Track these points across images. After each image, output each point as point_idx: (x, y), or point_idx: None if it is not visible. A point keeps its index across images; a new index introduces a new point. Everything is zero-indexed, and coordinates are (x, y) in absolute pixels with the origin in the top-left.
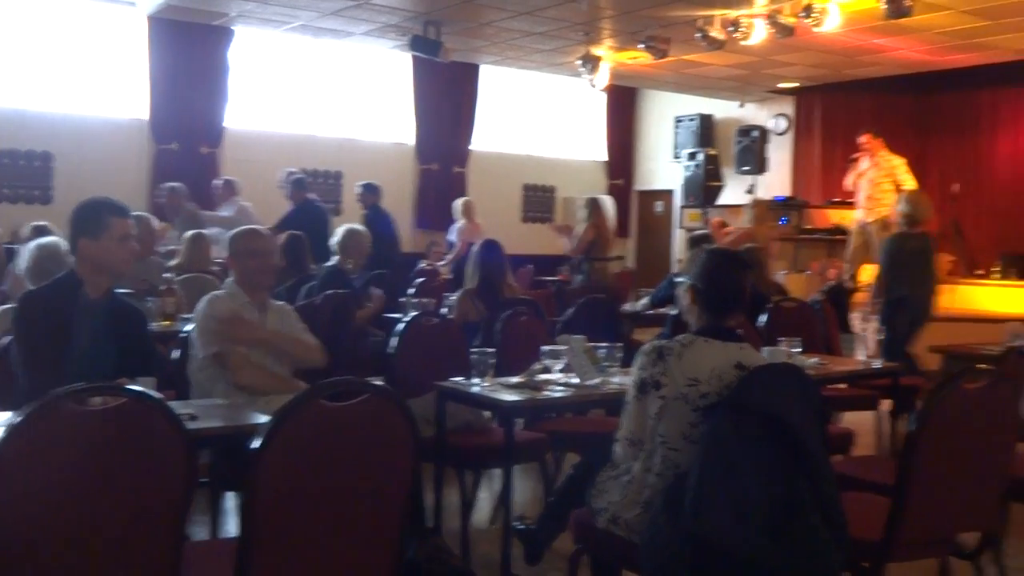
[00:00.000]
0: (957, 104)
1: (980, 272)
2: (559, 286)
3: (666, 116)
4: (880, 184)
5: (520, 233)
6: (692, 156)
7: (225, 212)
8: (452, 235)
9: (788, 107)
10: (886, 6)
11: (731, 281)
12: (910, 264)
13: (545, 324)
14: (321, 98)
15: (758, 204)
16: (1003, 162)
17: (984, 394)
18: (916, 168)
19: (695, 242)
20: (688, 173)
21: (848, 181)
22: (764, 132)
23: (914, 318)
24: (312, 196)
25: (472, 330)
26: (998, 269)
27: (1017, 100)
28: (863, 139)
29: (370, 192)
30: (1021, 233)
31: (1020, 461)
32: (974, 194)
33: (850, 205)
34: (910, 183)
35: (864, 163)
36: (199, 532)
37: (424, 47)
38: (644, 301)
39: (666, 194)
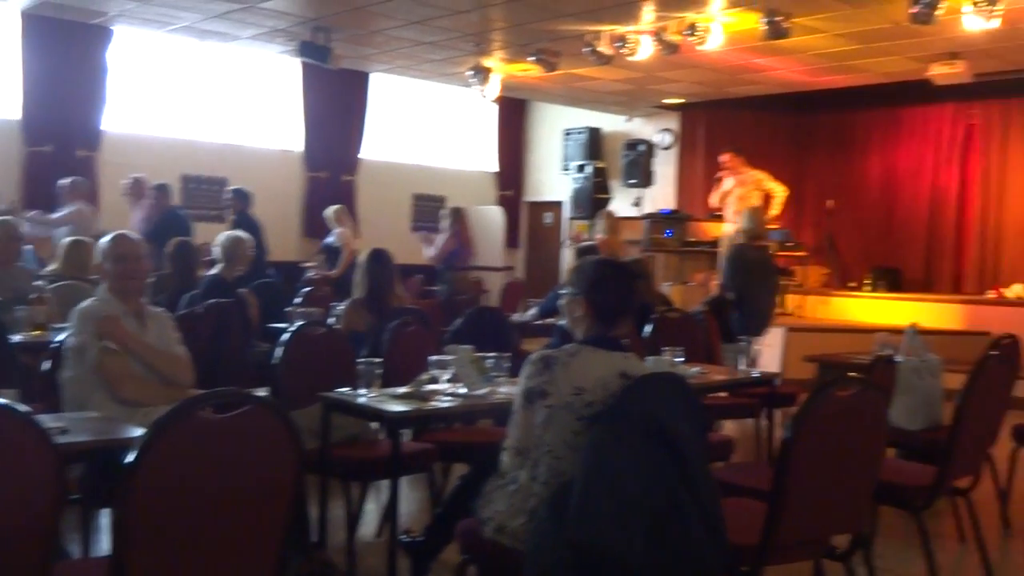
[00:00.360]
0: (833, 124)
1: (852, 284)
2: (448, 295)
3: (556, 128)
4: (748, 198)
5: (409, 242)
6: (581, 168)
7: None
8: (331, 239)
9: (673, 122)
10: (765, 27)
11: (619, 291)
12: (752, 272)
13: (433, 334)
14: (205, 102)
15: (609, 216)
16: (875, 180)
17: (854, 401)
18: (794, 184)
19: (582, 253)
20: (577, 185)
21: (713, 199)
22: (650, 146)
23: (752, 324)
24: (174, 204)
25: (359, 340)
26: (869, 281)
27: (887, 121)
28: (724, 158)
29: (240, 198)
30: (890, 248)
31: (887, 466)
32: (848, 210)
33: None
34: (779, 191)
35: (728, 182)
36: (71, 551)
37: (313, 53)
38: (532, 311)
39: (555, 205)
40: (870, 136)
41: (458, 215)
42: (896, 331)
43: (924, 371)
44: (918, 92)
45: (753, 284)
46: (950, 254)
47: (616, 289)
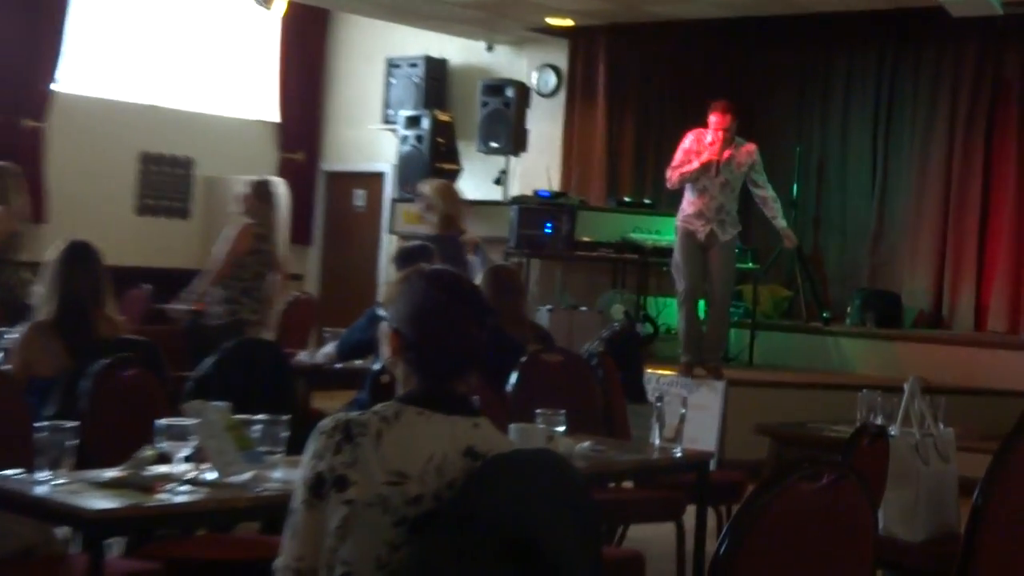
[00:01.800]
0: (799, 68)
1: (828, 315)
2: (194, 320)
3: (374, 58)
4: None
5: (133, 232)
6: (413, 122)
7: None
8: None
9: (559, 55)
10: None
11: (464, 323)
12: None
13: (167, 382)
14: None
15: (443, 190)
16: (862, 159)
17: (826, 497)
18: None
19: (409, 257)
20: (406, 148)
21: (673, 177)
22: (523, 91)
23: None
24: None
25: (42, 391)
26: (852, 311)
27: (880, 72)
28: (716, 115)
29: None
30: (884, 261)
31: None
32: (823, 202)
33: (649, 209)
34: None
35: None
36: None
37: None
38: (329, 348)
39: (372, 179)
40: (854, 92)
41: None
42: (890, 388)
43: (931, 450)
44: (926, 27)
45: None
46: (970, 273)
47: (459, 320)
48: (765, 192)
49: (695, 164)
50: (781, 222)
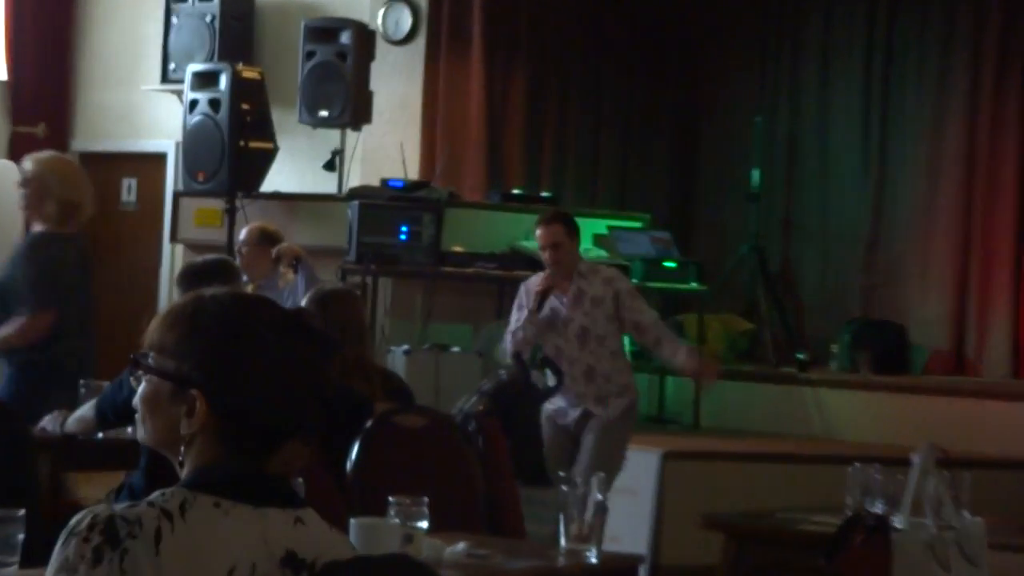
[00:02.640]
0: (752, 18)
1: (804, 356)
2: None
3: None
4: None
5: None
6: (205, 80)
7: None
8: None
9: None
10: None
11: (289, 380)
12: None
13: None
14: None
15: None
16: (850, 142)
17: None
18: (673, 135)
19: (199, 276)
20: (196, 119)
21: (514, 345)
22: (366, 35)
23: None
24: None
25: None
26: (839, 351)
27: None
28: (540, 228)
29: None
30: (884, 284)
31: None
32: (796, 200)
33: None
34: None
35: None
36: None
37: None
38: (85, 410)
39: (147, 163)
40: (836, 40)
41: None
42: (894, 461)
43: (952, 550)
44: None
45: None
46: (1003, 297)
47: (280, 367)
48: (643, 319)
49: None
50: (681, 354)
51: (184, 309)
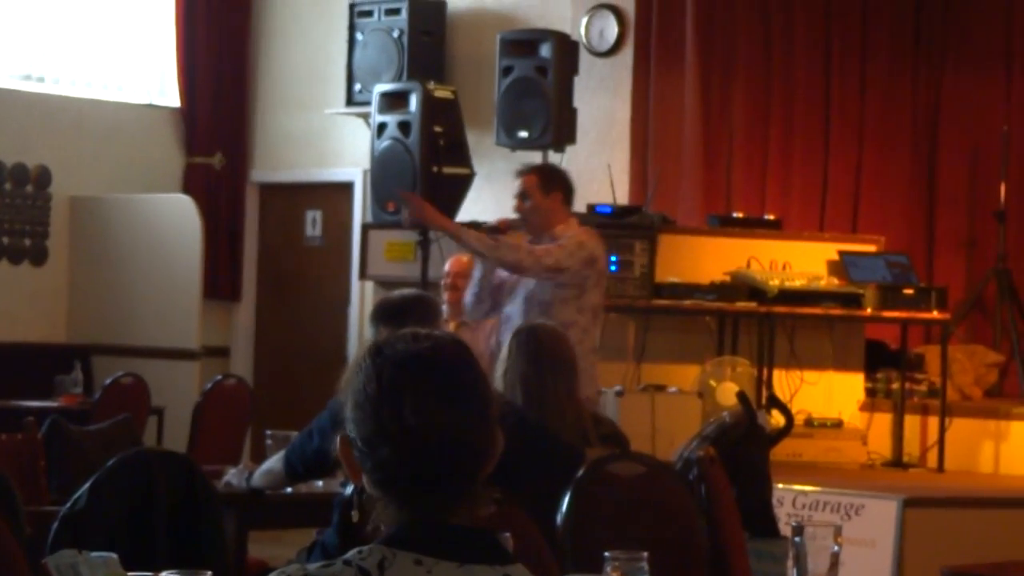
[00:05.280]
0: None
1: None
2: (54, 423)
3: (333, 2)
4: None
5: None
6: (394, 102)
7: None
8: None
9: None
10: None
11: (442, 414)
12: None
13: (19, 522)
14: None
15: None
16: None
17: None
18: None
19: (393, 315)
20: (384, 144)
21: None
22: (568, 48)
23: None
24: None
25: None
26: None
27: None
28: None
29: None
30: None
31: None
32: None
33: (774, 230)
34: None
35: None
36: None
37: None
38: (273, 463)
39: (333, 194)
40: None
41: None
42: None
43: None
44: None
45: None
46: None
47: (435, 409)
48: None
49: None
50: None
51: (359, 356)
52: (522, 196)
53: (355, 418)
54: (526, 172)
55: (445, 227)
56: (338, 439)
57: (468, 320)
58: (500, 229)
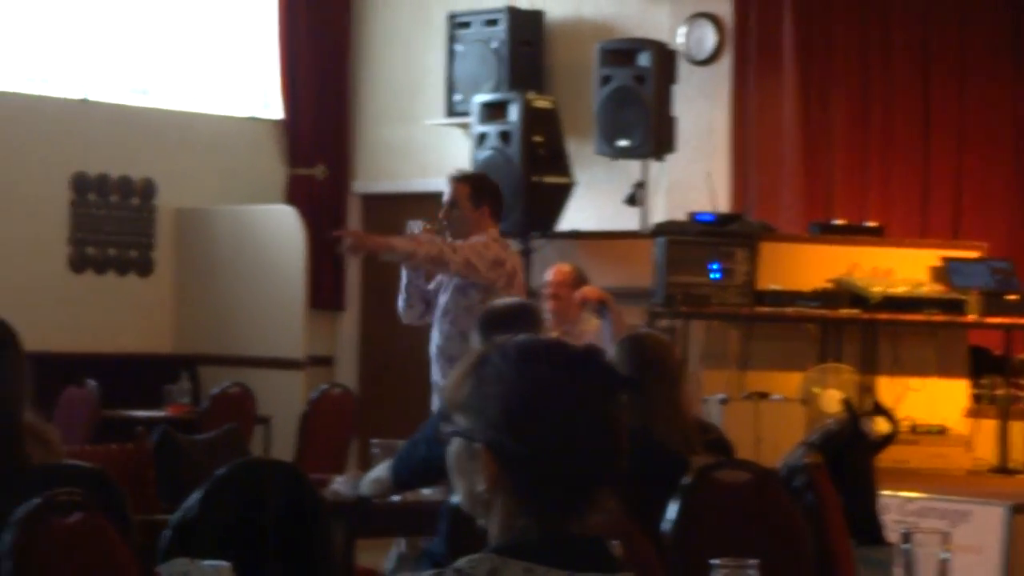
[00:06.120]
0: None
1: None
2: (164, 432)
3: (429, 15)
4: None
5: (65, 299)
6: (494, 112)
7: None
8: None
9: (722, 2)
10: None
11: (581, 426)
12: None
13: (130, 530)
14: None
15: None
16: None
17: None
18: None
19: (500, 323)
20: (485, 153)
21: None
22: (667, 57)
23: None
24: None
25: None
26: None
27: None
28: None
29: None
30: None
31: None
32: None
33: (875, 237)
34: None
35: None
36: None
37: None
38: (380, 471)
39: (435, 203)
40: None
41: None
42: None
43: None
44: None
45: None
46: None
47: (568, 414)
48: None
49: None
50: None
51: (472, 361)
52: (451, 204)
53: (487, 423)
54: (459, 180)
55: (377, 246)
56: (470, 442)
57: (568, 328)
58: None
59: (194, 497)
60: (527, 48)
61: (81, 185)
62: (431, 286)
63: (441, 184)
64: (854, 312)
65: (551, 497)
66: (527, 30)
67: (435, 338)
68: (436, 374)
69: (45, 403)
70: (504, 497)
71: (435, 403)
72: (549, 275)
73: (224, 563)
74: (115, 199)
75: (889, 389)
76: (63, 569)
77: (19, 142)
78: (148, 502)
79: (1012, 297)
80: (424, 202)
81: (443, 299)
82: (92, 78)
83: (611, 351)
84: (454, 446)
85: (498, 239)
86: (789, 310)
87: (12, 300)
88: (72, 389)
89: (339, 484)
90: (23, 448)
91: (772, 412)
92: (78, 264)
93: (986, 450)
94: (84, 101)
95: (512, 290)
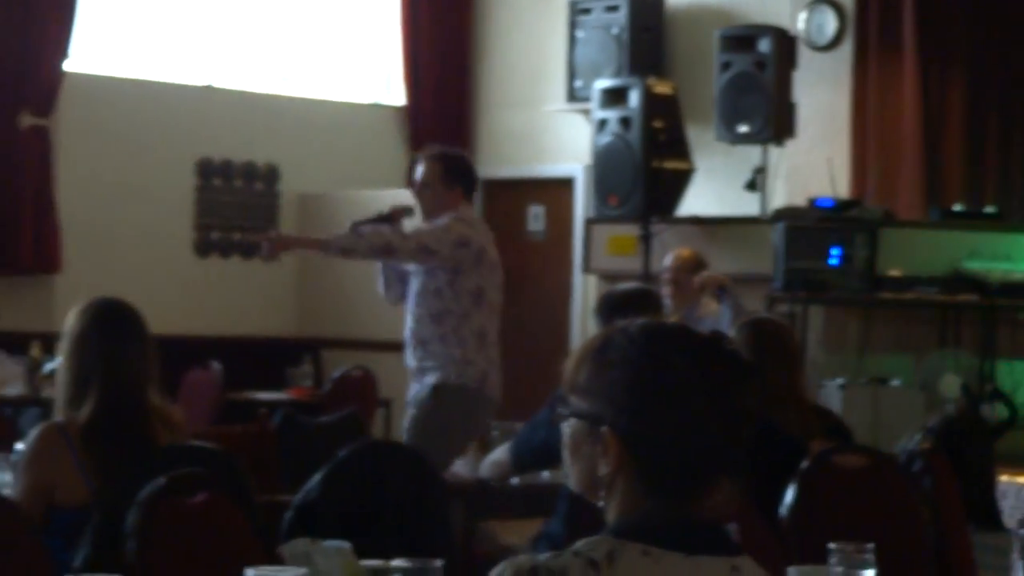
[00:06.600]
0: None
1: None
2: (286, 415)
3: (551, 1)
4: None
5: (191, 283)
6: (615, 98)
7: None
8: None
9: None
10: None
11: (708, 410)
12: None
13: (253, 511)
14: None
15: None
16: None
17: None
18: None
19: (618, 308)
20: (605, 139)
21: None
22: (787, 43)
23: None
24: None
25: (66, 526)
26: None
27: None
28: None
29: None
30: None
31: None
32: None
33: (994, 223)
34: None
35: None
36: None
37: None
38: (499, 454)
39: (555, 189)
40: None
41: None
42: None
43: None
44: None
45: None
46: None
47: (708, 399)
48: None
49: None
50: None
51: (593, 345)
52: (424, 183)
53: (622, 403)
54: (432, 159)
55: (307, 246)
56: (590, 426)
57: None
58: (392, 217)
59: (315, 479)
60: (647, 34)
61: (206, 170)
62: (411, 267)
63: (561, 169)
64: (973, 298)
65: (674, 481)
66: (647, 16)
67: (408, 322)
68: (409, 358)
69: (170, 385)
70: (627, 480)
71: (411, 390)
72: (668, 260)
73: (345, 543)
74: (239, 184)
75: (1008, 375)
76: (187, 548)
77: (145, 128)
78: (270, 483)
79: None
80: (545, 187)
81: (415, 282)
82: (217, 65)
83: (730, 336)
84: (571, 428)
85: (464, 218)
86: (908, 295)
87: (138, 284)
88: (196, 372)
89: (459, 466)
90: (150, 429)
91: (891, 397)
92: (203, 248)
93: None
94: (209, 88)
95: (482, 268)
